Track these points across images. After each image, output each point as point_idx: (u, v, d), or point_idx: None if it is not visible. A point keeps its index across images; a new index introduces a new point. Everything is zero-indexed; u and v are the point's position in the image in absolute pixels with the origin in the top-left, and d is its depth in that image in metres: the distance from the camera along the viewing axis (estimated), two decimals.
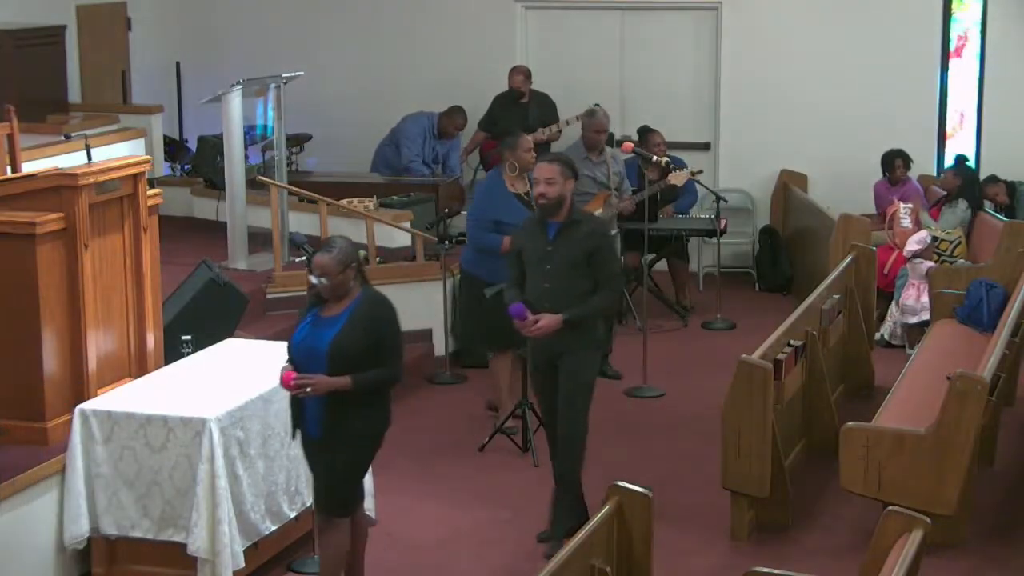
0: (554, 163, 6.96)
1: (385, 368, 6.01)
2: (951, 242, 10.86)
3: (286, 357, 6.11)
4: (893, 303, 10.59)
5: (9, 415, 6.71)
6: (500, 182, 8.80)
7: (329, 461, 6.04)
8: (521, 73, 12.21)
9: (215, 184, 11.47)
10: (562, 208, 6.91)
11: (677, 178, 10.54)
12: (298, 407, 6.06)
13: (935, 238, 10.66)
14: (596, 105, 11.79)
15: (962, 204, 11.09)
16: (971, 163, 11.88)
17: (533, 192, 7.15)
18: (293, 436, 6.18)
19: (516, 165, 8.74)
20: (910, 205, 11.18)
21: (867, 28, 12.43)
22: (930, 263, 10.30)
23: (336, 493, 6.11)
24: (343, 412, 5.96)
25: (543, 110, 12.19)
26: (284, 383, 5.97)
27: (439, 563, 7.05)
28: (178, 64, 13.93)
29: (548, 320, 6.83)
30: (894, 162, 11.70)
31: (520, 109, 12.16)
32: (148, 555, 6.48)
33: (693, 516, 7.50)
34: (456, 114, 12.43)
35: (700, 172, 10.66)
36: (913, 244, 10.34)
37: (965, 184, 11.21)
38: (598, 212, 9.58)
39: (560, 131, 12.05)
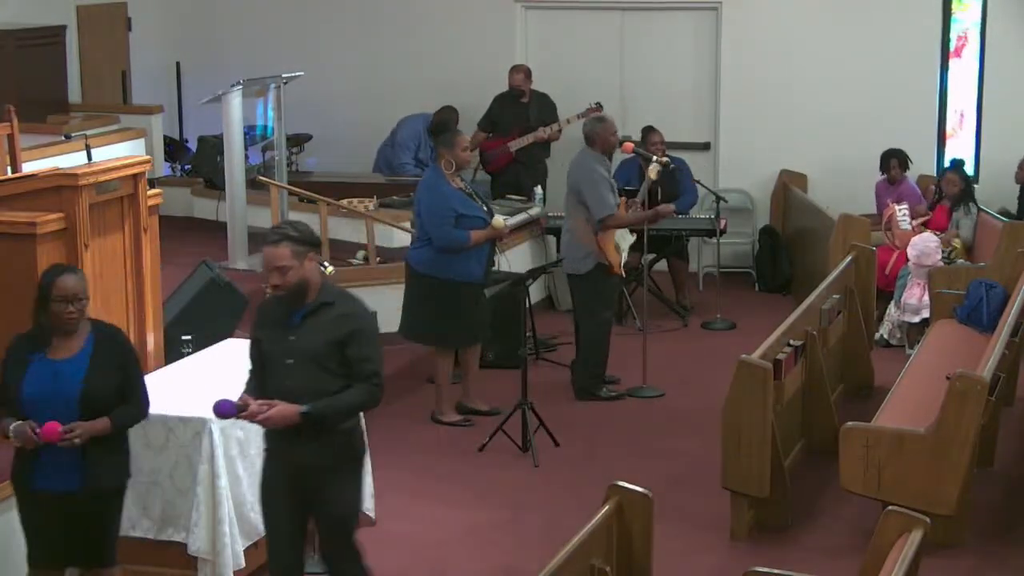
0: (282, 244, 5.50)
1: (134, 406, 5.59)
2: (953, 244, 10.84)
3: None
4: (892, 303, 10.59)
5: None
6: (443, 179, 8.75)
7: (97, 512, 5.63)
8: (521, 72, 12.20)
9: (215, 184, 11.48)
10: (306, 293, 5.56)
11: (652, 171, 10.28)
12: (30, 460, 5.50)
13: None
14: (596, 103, 11.81)
15: (973, 208, 11.07)
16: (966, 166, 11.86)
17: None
18: (22, 501, 5.60)
19: (452, 162, 8.70)
20: (905, 206, 11.18)
21: (867, 28, 12.43)
22: (939, 263, 10.31)
23: (108, 544, 5.72)
24: (100, 458, 5.54)
25: (543, 109, 12.19)
26: (50, 437, 5.37)
27: (439, 563, 7.05)
28: (178, 64, 13.94)
29: (282, 409, 5.44)
30: (890, 161, 11.70)
31: (520, 108, 12.16)
32: (148, 555, 6.46)
33: (693, 516, 7.49)
34: (447, 113, 12.42)
35: (668, 163, 10.40)
36: (938, 254, 10.28)
37: (967, 187, 11.19)
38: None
39: (560, 130, 12.06)
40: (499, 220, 8.84)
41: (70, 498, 5.55)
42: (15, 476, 5.64)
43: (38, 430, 5.40)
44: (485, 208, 8.88)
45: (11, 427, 5.47)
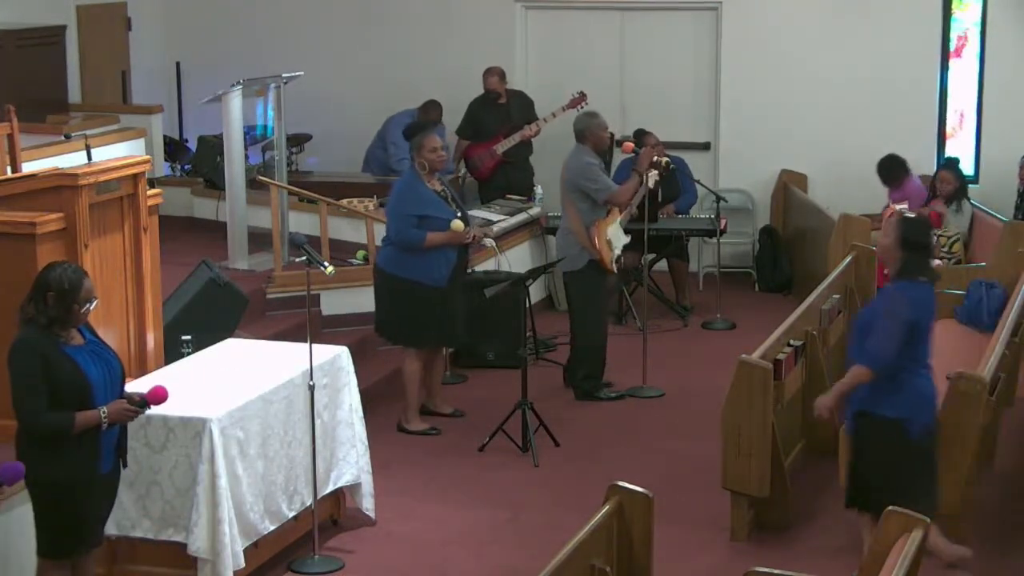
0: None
1: None
2: (949, 237, 10.84)
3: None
4: None
5: (10, 415, 6.69)
6: (419, 180, 8.71)
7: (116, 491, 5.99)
8: (496, 74, 12.12)
9: (215, 184, 11.48)
10: None
11: (650, 180, 10.05)
12: (94, 445, 5.66)
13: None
14: (579, 92, 11.75)
15: (966, 204, 11.07)
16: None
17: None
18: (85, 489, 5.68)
19: (425, 164, 8.67)
20: (905, 205, 11.17)
21: (867, 28, 12.43)
22: (937, 260, 10.30)
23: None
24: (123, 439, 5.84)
25: (524, 108, 12.15)
26: (161, 398, 5.79)
27: (439, 563, 7.05)
28: (178, 64, 13.94)
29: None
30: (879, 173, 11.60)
31: (500, 110, 12.09)
32: (148, 555, 6.47)
33: (693, 516, 7.49)
34: (431, 108, 12.39)
35: (668, 163, 10.28)
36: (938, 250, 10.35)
37: (962, 185, 11.19)
38: (619, 219, 9.47)
39: (539, 128, 11.99)
40: (457, 224, 8.69)
41: (111, 477, 5.79)
42: (78, 466, 5.60)
43: (140, 399, 5.66)
44: (459, 214, 8.80)
45: (103, 410, 5.53)
